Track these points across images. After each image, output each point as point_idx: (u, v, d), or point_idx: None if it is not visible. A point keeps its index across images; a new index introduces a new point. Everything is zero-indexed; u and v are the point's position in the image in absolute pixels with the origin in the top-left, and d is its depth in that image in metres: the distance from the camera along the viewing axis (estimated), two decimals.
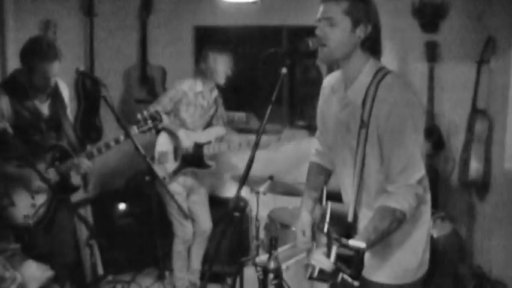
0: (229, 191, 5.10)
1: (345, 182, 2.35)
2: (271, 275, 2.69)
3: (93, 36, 5.01)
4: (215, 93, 4.25)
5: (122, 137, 3.42)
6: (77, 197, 4.40)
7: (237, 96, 4.99)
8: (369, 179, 2.22)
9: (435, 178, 4.27)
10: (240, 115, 5.10)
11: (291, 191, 4.00)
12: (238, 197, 2.18)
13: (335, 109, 2.32)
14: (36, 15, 4.40)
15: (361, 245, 1.81)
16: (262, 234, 4.17)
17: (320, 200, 2.57)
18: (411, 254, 2.30)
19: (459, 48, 4.31)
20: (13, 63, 3.82)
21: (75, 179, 3.58)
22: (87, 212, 4.74)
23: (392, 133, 2.10)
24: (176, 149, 4.20)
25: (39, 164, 3.27)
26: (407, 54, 4.49)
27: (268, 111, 2.18)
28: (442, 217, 3.93)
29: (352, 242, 1.83)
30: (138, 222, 4.77)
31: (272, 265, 2.67)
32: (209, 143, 4.19)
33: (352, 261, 1.78)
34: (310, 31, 2.21)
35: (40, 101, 3.38)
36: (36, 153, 3.31)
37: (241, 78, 4.67)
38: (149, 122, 3.47)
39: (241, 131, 4.99)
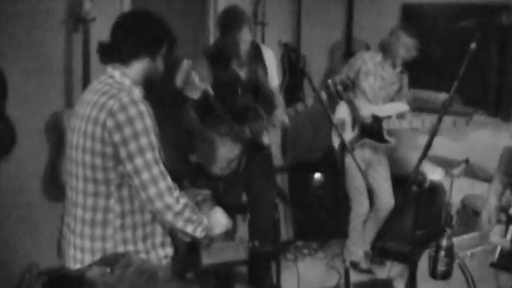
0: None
1: None
2: (442, 253, 2.64)
3: (301, 9, 5.18)
4: (398, 68, 4.14)
5: (310, 101, 3.56)
6: (275, 163, 4.69)
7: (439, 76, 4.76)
8: None
9: None
10: (437, 95, 4.84)
11: (488, 177, 3.75)
12: (417, 171, 2.19)
13: None
14: None
15: None
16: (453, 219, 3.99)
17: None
18: None
19: None
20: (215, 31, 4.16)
21: (265, 140, 3.83)
22: (284, 179, 5.00)
23: None
24: (355, 119, 4.21)
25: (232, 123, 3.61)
26: None
27: (453, 88, 2.11)
28: None
29: None
30: (330, 194, 4.90)
31: (444, 242, 2.62)
32: (389, 117, 4.12)
33: None
34: None
35: (239, 65, 3.67)
36: (232, 113, 3.63)
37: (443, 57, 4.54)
38: (339, 87, 3.56)
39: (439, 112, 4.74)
